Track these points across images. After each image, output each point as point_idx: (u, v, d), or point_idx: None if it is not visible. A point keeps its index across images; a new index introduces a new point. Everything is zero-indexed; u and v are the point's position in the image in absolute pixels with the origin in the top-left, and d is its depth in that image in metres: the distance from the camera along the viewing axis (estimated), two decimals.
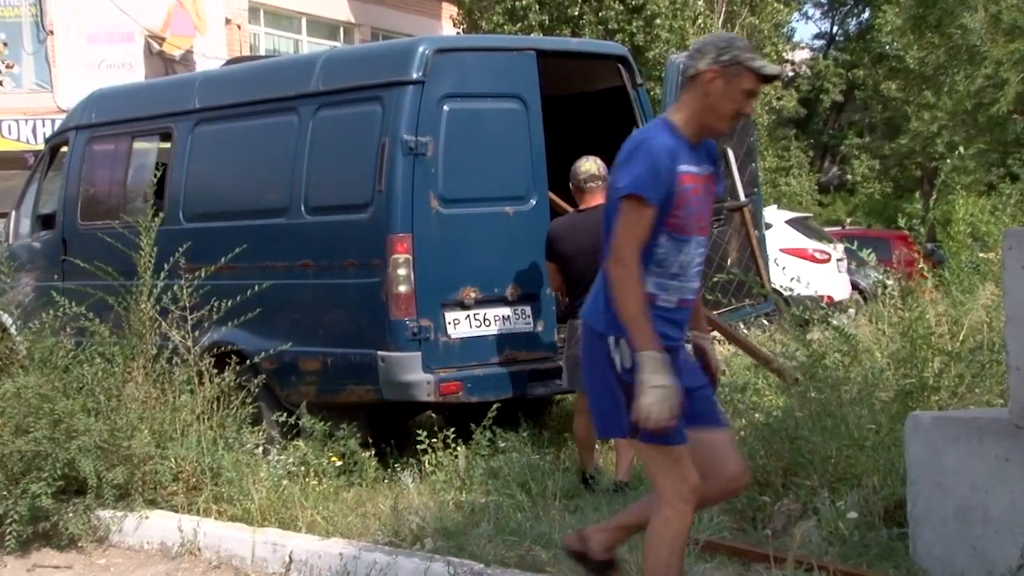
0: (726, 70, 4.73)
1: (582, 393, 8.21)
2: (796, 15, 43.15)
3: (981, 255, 10.68)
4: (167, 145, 10.18)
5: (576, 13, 25.77)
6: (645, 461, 5.02)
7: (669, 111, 4.92)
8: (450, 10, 31.55)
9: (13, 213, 12.03)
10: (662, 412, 4.54)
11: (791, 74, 46.41)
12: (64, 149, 11.27)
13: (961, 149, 21.15)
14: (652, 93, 15.44)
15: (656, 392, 4.55)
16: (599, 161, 8.20)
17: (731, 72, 4.74)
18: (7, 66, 28.14)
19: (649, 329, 4.65)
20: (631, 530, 5.26)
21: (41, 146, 16.80)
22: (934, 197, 12.42)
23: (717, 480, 4.96)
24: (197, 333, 8.41)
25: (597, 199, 7.89)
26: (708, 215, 5.00)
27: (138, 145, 10.66)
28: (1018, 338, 5.48)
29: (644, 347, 4.59)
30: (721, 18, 29.47)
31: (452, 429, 8.02)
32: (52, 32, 27.39)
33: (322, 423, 8.01)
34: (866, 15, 46.40)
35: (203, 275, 8.48)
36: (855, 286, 19.82)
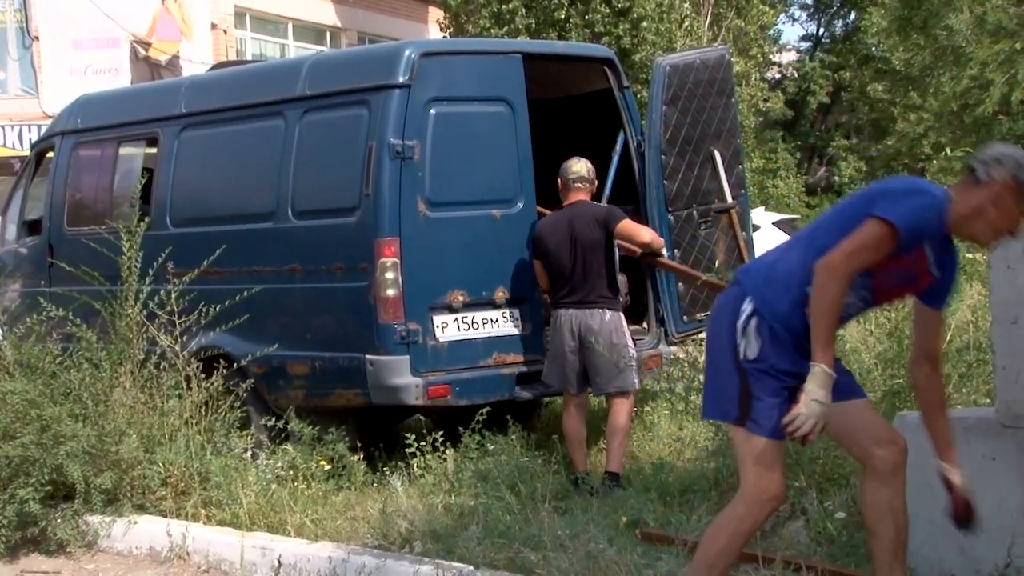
0: (1020, 188, 4.68)
1: (569, 393, 8.26)
2: (782, 17, 43.33)
3: (968, 255, 10.70)
4: (153, 150, 10.16)
5: (562, 16, 25.77)
6: (740, 453, 4.97)
7: (952, 197, 4.78)
8: (436, 14, 31.56)
9: None
10: (815, 426, 4.63)
11: (778, 76, 46.49)
12: (50, 155, 11.24)
13: (948, 151, 21.16)
14: (639, 96, 15.45)
15: (816, 407, 4.62)
16: (589, 164, 8.32)
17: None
18: None
19: (832, 345, 4.72)
20: (899, 552, 5.05)
21: (27, 152, 16.78)
22: None
23: (868, 444, 4.99)
24: (185, 338, 8.41)
25: (579, 197, 8.33)
26: (895, 295, 5.20)
27: (124, 150, 10.65)
28: (1004, 338, 5.51)
29: (822, 360, 4.65)
30: (707, 21, 29.53)
31: (441, 432, 8.03)
32: (37, 38, 27.35)
33: (310, 427, 8.01)
34: (852, 17, 46.42)
35: (190, 280, 8.47)
36: None
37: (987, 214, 4.71)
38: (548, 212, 8.78)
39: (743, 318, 4.86)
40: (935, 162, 19.80)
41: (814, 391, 4.62)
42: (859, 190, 5.19)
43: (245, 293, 8.39)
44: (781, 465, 4.90)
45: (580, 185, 8.30)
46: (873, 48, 40.95)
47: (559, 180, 8.39)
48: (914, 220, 4.66)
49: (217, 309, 8.34)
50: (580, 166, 8.34)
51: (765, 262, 5.08)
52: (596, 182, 8.58)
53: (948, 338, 7.54)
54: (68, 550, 7.57)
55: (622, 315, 8.35)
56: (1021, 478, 5.51)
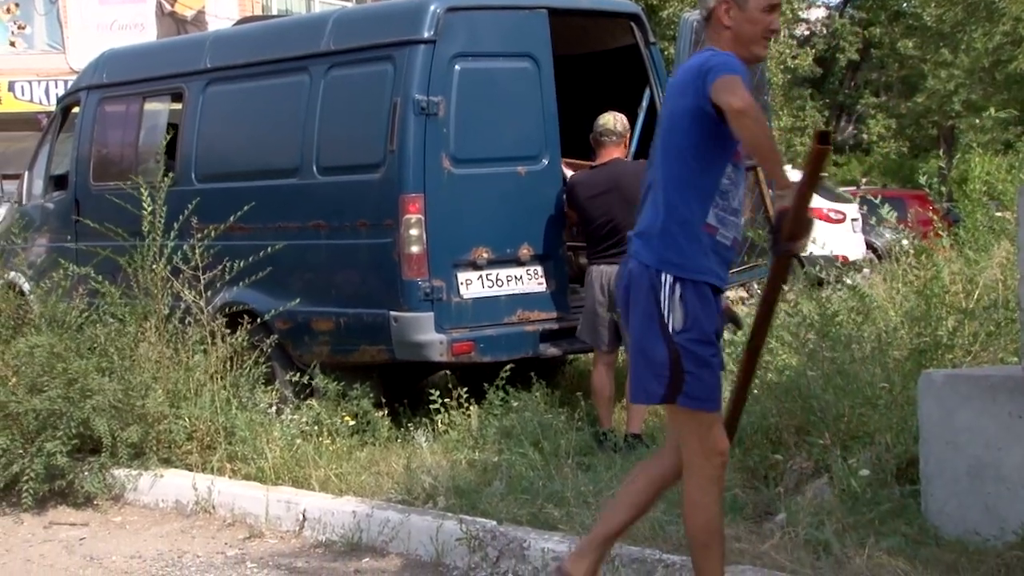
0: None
1: (600, 350, 8.27)
2: None
3: (997, 214, 10.66)
4: (178, 106, 10.17)
5: None
6: (679, 427, 4.85)
7: (716, 49, 4.65)
8: None
9: (26, 174, 12.05)
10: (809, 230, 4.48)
11: (807, 33, 46.15)
12: (76, 110, 11.27)
13: (992, 110, 20.98)
14: (666, 52, 15.38)
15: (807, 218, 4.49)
16: (621, 117, 8.27)
17: None
18: (19, 27, 28.20)
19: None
20: (609, 541, 5.09)
21: (53, 107, 16.83)
22: (958, 156, 12.38)
23: None
24: (209, 293, 8.45)
25: (612, 154, 8.24)
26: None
27: (149, 106, 10.66)
28: None
29: (786, 185, 4.38)
30: None
31: (465, 389, 8.06)
32: None
33: (335, 383, 8.05)
34: None
35: (215, 236, 8.50)
36: (869, 245, 19.79)
37: (741, 35, 4.65)
38: (575, 168, 8.77)
39: (666, 290, 4.64)
40: (977, 121, 19.63)
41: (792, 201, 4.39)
42: (663, 117, 4.92)
43: (269, 250, 8.41)
44: (720, 423, 4.79)
45: (607, 139, 8.26)
46: (904, 4, 40.66)
47: (591, 137, 8.38)
48: (740, 67, 4.50)
49: (241, 265, 8.37)
50: (608, 118, 8.31)
51: (652, 228, 4.73)
52: (628, 134, 8.53)
53: (976, 296, 7.53)
54: (95, 503, 7.64)
55: None
56: None
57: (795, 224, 4.44)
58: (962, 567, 5.25)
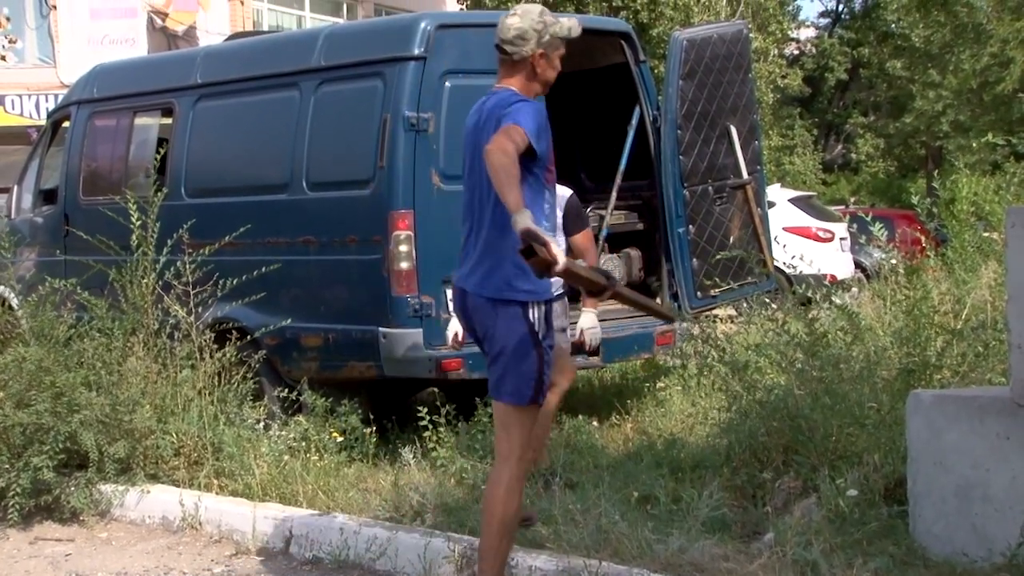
0: (547, 52, 5.48)
1: None
2: None
3: (984, 234, 10.69)
4: (168, 121, 10.17)
5: None
6: (508, 422, 5.30)
7: (516, 89, 5.43)
8: None
9: (15, 188, 12.02)
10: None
11: (796, 53, 46.30)
12: (66, 124, 11.27)
13: (990, 135, 21.02)
14: (656, 70, 15.39)
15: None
16: None
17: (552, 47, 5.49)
18: (10, 41, 28.16)
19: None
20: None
21: (43, 121, 16.81)
22: (951, 178, 12.39)
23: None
24: (199, 309, 8.42)
25: None
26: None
27: (140, 120, 10.66)
28: (1020, 316, 5.49)
29: (520, 209, 4.82)
30: None
31: (453, 405, 8.03)
32: (55, 7, 27.42)
33: (323, 399, 8.02)
34: None
35: (207, 252, 8.45)
36: (858, 265, 19.84)
37: (544, 78, 5.51)
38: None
39: (537, 315, 5.26)
40: (974, 144, 19.70)
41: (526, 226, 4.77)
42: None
43: (264, 270, 8.36)
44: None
45: None
46: (892, 25, 40.85)
47: None
48: (537, 130, 5.16)
49: (231, 281, 8.33)
50: None
51: (494, 271, 5.29)
52: None
53: (964, 316, 7.54)
54: (81, 518, 7.59)
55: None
56: None
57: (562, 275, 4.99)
58: None
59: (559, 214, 7.35)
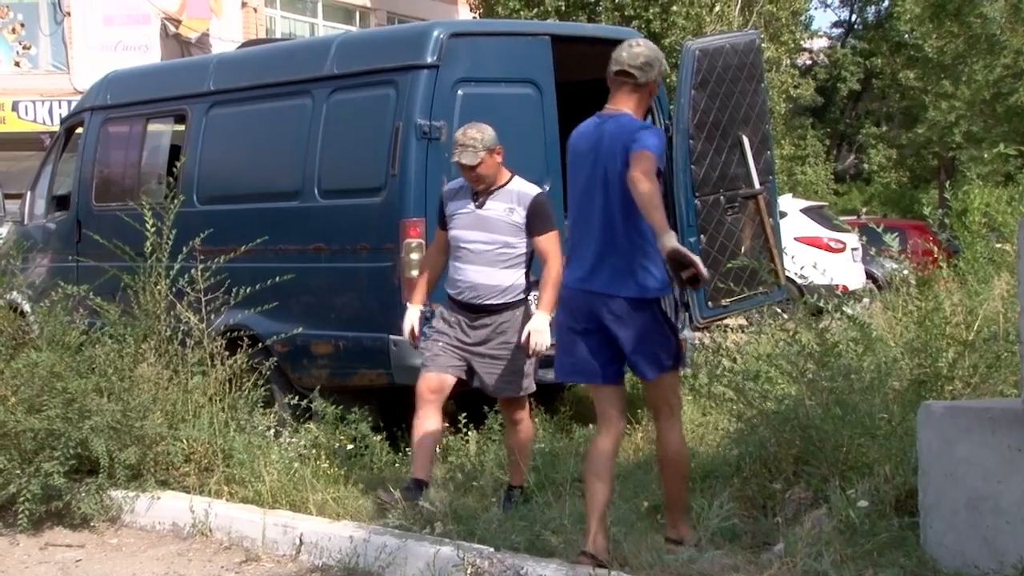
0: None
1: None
2: (815, 3, 43.14)
3: (997, 245, 10.66)
4: (181, 127, 10.19)
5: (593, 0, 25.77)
6: (664, 390, 6.12)
7: (631, 111, 6.10)
8: None
9: (28, 194, 12.05)
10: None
11: (809, 63, 46.27)
12: (79, 130, 11.29)
13: (1001, 146, 20.93)
14: (668, 80, 15.40)
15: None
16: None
17: None
18: (24, 47, 28.25)
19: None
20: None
21: (57, 127, 16.84)
22: (964, 189, 12.36)
23: None
24: (210, 315, 8.42)
25: None
26: None
27: (152, 127, 10.68)
28: None
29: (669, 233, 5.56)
30: (738, 5, 29.40)
31: (464, 414, 8.03)
32: (69, 13, 27.52)
33: (334, 406, 8.01)
34: (885, 3, 46.22)
35: (221, 260, 8.43)
36: (869, 275, 19.81)
37: (648, 103, 6.30)
38: None
39: (667, 304, 6.08)
40: (986, 155, 19.67)
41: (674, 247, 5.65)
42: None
43: (277, 279, 8.34)
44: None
45: None
46: (906, 35, 40.72)
47: None
48: (660, 145, 5.91)
49: (243, 288, 8.32)
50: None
51: (625, 273, 5.98)
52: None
53: (976, 328, 7.52)
54: (92, 524, 7.59)
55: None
56: None
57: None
58: None
59: (522, 212, 7.10)
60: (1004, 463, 5.56)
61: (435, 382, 7.09)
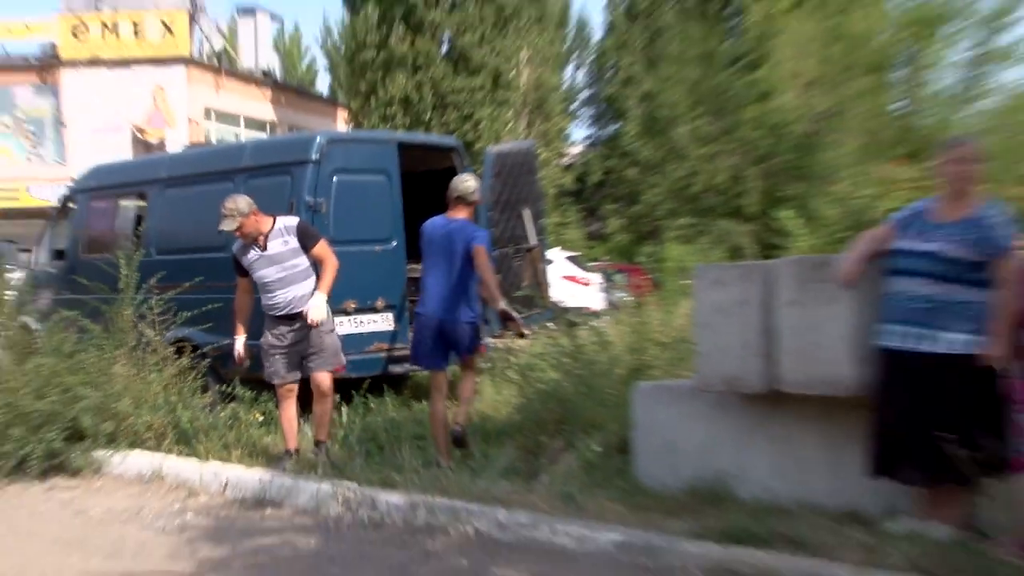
0: None
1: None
2: (573, 124, 43.69)
3: (684, 282, 10.94)
4: (143, 203, 9.91)
5: (428, 118, 25.90)
6: (471, 362, 6.84)
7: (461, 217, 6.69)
8: (342, 113, 31.33)
9: (35, 248, 11.62)
10: None
11: (569, 162, 46.95)
12: (72, 205, 10.89)
13: (687, 219, 21.34)
14: (476, 172, 15.52)
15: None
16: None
17: None
18: (34, 147, 27.59)
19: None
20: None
21: (57, 203, 16.21)
22: (665, 245, 12.54)
23: None
24: (164, 331, 8.19)
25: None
26: None
27: (123, 203, 10.38)
28: (701, 335, 5.69)
29: (501, 298, 6.52)
30: (525, 123, 29.72)
31: (338, 395, 7.95)
32: (66, 125, 26.81)
33: (250, 391, 7.86)
34: (617, 125, 47.17)
35: (172, 293, 8.21)
36: (607, 300, 20.09)
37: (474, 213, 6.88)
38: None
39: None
40: (667, 221, 20.22)
41: (504, 308, 6.61)
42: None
43: (210, 306, 8.14)
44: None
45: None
46: (629, 146, 41.66)
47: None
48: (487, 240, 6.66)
49: (189, 313, 8.12)
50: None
51: (456, 306, 6.67)
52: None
53: (671, 335, 7.71)
54: (82, 474, 7.33)
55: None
56: None
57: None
58: (654, 507, 5.39)
59: (294, 239, 6.75)
60: (683, 421, 5.74)
61: (287, 386, 6.95)
